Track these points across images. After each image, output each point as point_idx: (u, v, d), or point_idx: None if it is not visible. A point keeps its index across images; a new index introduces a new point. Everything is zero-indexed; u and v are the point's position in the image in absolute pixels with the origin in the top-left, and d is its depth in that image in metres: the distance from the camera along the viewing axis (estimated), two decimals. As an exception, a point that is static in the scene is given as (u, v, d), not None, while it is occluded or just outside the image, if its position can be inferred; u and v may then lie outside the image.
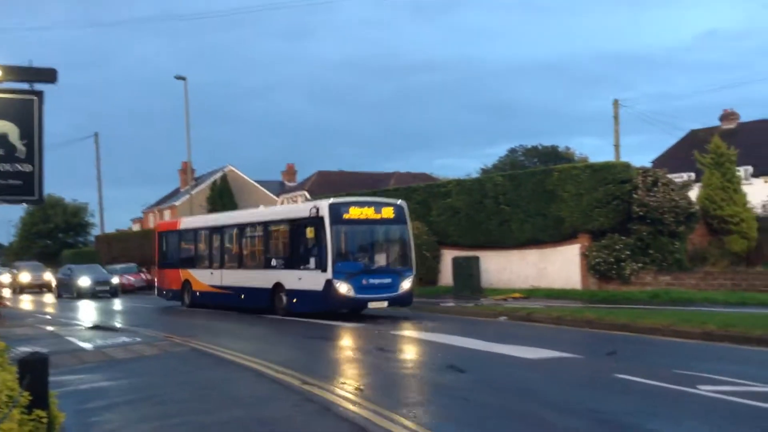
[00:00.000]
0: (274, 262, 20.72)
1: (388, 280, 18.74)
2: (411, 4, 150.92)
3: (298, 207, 23.08)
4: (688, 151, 32.31)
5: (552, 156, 55.17)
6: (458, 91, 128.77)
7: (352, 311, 19.20)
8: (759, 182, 36.67)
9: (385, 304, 18.68)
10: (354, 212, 18.85)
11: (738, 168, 27.27)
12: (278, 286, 20.08)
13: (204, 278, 24.19)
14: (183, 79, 38.30)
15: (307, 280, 18.81)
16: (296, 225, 19.55)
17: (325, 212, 18.45)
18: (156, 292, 28.51)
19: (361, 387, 9.20)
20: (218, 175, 61.18)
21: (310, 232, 18.49)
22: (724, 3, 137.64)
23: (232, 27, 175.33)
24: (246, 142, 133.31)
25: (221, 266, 23.49)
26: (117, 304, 30.60)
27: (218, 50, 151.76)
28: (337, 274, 18.09)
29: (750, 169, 37.32)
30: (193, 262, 25.50)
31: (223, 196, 56.77)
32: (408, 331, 15.88)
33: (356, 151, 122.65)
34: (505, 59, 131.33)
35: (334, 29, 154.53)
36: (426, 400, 8.76)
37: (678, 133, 58.08)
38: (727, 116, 45.21)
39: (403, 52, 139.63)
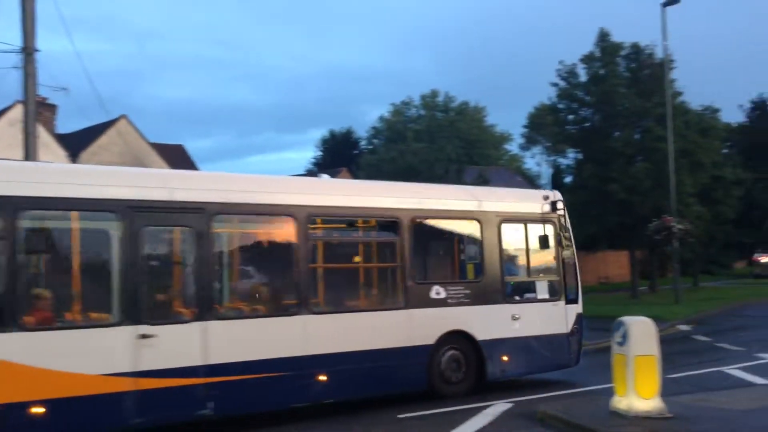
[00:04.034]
0: (440, 293, 10.66)
1: None
2: None
3: (510, 193, 13.29)
4: None
5: None
6: None
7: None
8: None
9: None
10: None
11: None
12: (454, 338, 10.65)
13: (87, 357, 8.10)
14: None
15: (534, 319, 11.34)
16: (506, 225, 11.55)
17: (562, 206, 12.04)
18: None
19: None
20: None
21: (539, 239, 11.57)
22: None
23: None
24: None
25: (202, 311, 8.90)
26: None
27: None
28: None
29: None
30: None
31: None
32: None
33: None
34: None
35: None
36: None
37: None
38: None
39: None
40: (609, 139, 40.26)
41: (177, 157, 40.44)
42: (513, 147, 77.97)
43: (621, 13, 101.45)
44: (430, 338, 10.56)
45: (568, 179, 51.14)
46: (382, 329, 10.19)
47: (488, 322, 10.93)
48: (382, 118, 72.40)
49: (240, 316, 9.42)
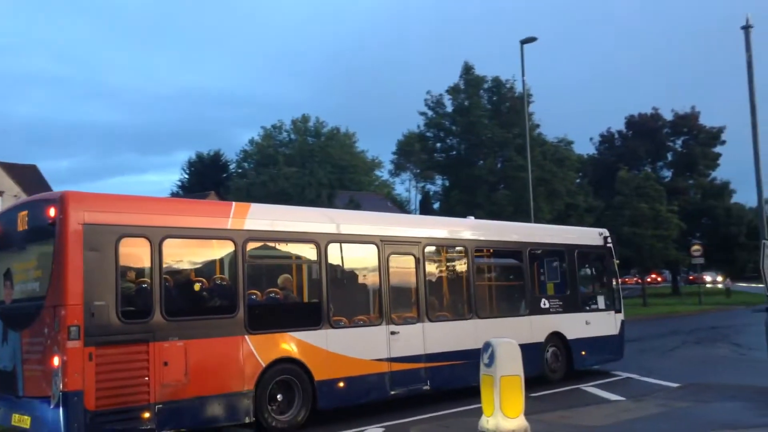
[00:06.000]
0: (545, 304, 14.46)
1: None
2: None
3: (581, 231, 17.41)
4: None
5: None
6: None
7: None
8: None
9: None
10: None
11: None
12: (554, 337, 14.45)
13: (364, 347, 11.36)
14: None
15: (598, 323, 15.41)
16: (580, 254, 15.55)
17: (610, 240, 16.32)
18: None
19: None
20: None
21: (598, 265, 16.20)
22: None
23: None
24: None
25: (420, 316, 12.32)
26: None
27: None
28: None
29: None
30: (316, 313, 10.90)
31: None
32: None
33: None
34: None
35: None
36: None
37: None
38: None
39: None
40: (474, 167, 41.97)
41: (30, 178, 37.89)
42: (383, 173, 79.79)
43: (485, 47, 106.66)
44: (541, 337, 14.10)
45: (436, 205, 52.70)
46: (518, 329, 13.20)
47: (572, 326, 14.65)
48: (252, 142, 71.74)
49: (440, 319, 12.63)
